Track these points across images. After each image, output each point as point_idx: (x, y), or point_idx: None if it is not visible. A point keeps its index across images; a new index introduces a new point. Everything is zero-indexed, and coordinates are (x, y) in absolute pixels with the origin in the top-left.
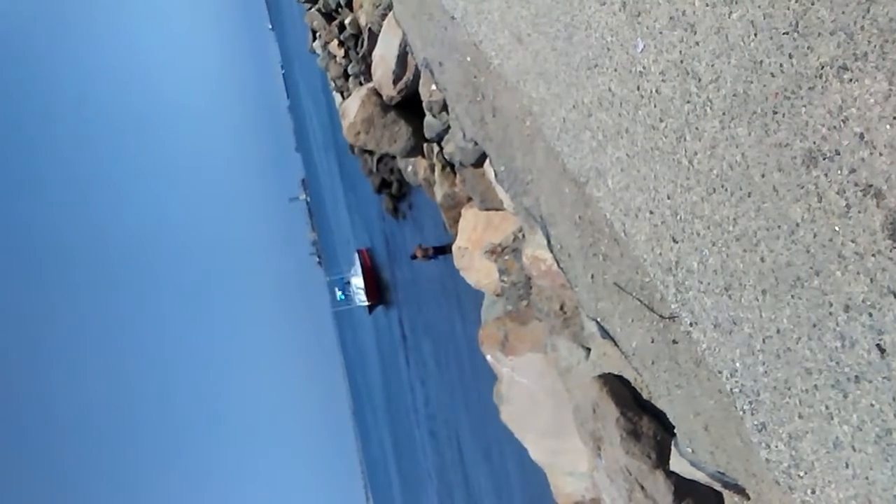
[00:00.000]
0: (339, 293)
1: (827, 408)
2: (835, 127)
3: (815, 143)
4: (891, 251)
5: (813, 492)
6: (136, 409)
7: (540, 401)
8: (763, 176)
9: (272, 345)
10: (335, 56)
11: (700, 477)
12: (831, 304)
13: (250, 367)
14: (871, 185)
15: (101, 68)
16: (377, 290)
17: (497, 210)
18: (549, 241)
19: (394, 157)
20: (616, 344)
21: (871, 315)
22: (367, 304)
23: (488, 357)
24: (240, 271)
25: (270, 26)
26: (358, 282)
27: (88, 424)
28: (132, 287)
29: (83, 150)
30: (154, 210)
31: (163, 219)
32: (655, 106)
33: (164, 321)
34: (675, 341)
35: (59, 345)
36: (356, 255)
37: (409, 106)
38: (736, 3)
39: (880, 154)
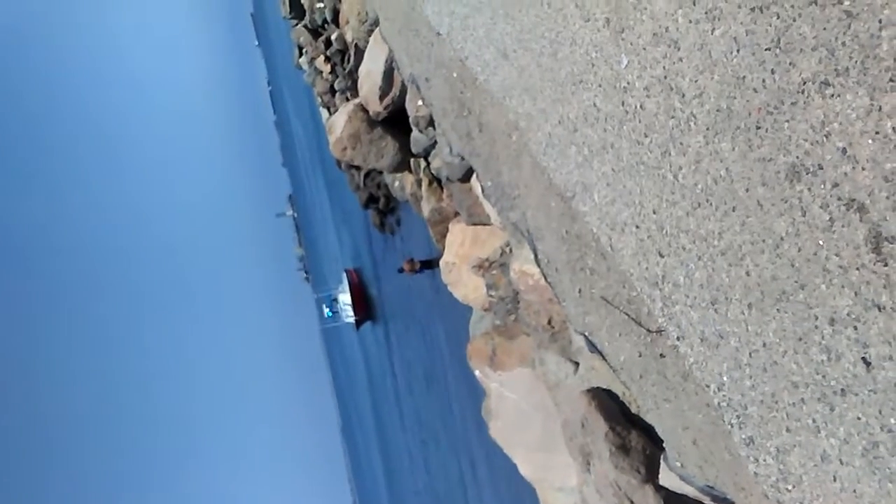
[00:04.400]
0: (326, 310)
1: (814, 421)
2: (817, 142)
3: (798, 157)
4: (874, 265)
5: None
6: (123, 429)
7: (529, 416)
8: (747, 190)
9: (260, 362)
10: (322, 72)
11: (689, 491)
12: (817, 318)
13: (238, 385)
14: (853, 200)
15: (88, 84)
16: (365, 306)
17: (484, 225)
18: (536, 256)
19: (381, 173)
20: (604, 358)
21: (856, 328)
22: (354, 319)
23: (476, 372)
24: (227, 288)
25: (257, 43)
26: (345, 298)
27: (80, 444)
28: (118, 304)
29: (72, 167)
30: (140, 226)
31: (149, 235)
32: (640, 121)
33: (150, 339)
34: (662, 355)
35: (49, 363)
36: (344, 274)
37: (395, 121)
38: (718, 19)
39: (863, 168)
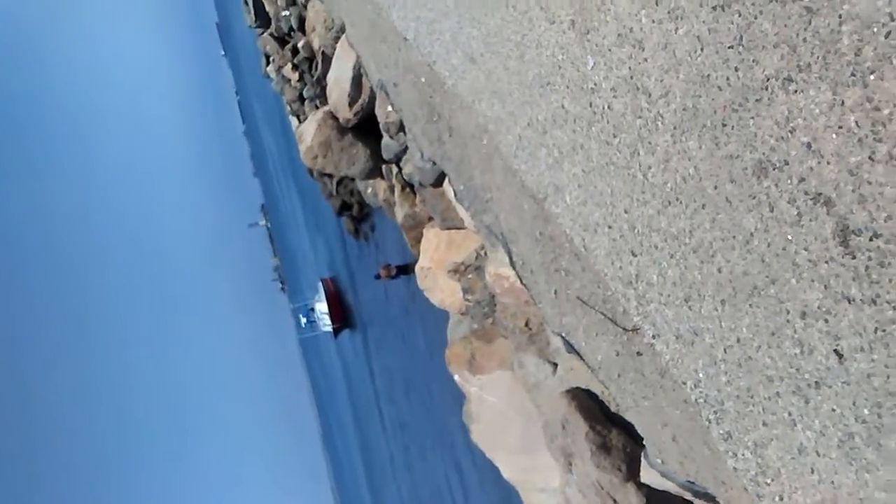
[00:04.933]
0: (303, 320)
1: (790, 414)
2: (783, 137)
3: (764, 153)
4: (842, 258)
5: (781, 498)
6: (98, 441)
7: (509, 418)
8: (716, 188)
9: (238, 374)
10: (289, 80)
11: (671, 487)
12: (788, 312)
13: (217, 398)
14: (820, 194)
15: (50, 96)
16: (342, 313)
17: (458, 229)
18: (511, 258)
19: (353, 180)
20: (582, 358)
21: (826, 321)
22: (332, 328)
23: (456, 377)
24: (201, 301)
25: (223, 52)
26: (322, 307)
27: (53, 459)
28: (91, 317)
29: (38, 180)
30: (113, 243)
31: (122, 251)
32: (608, 122)
33: (124, 356)
34: (639, 353)
35: (19, 376)
36: (320, 284)
37: (365, 128)
38: (681, 18)
39: (828, 163)
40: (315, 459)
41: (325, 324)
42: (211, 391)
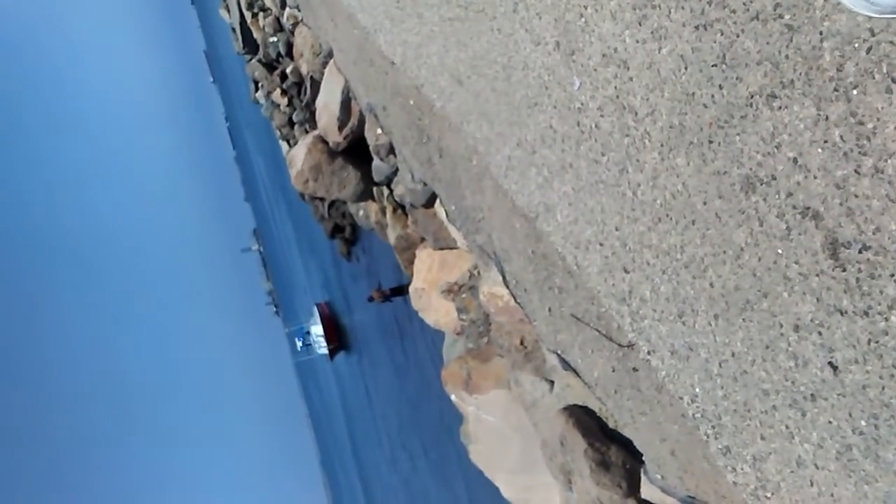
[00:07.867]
0: (299, 343)
1: (787, 427)
2: (769, 153)
3: (751, 169)
4: (833, 270)
5: None
6: (96, 472)
7: (508, 437)
8: (705, 203)
9: (234, 400)
10: (279, 105)
11: (671, 502)
12: (781, 325)
13: (213, 426)
14: (808, 208)
15: (39, 129)
16: (337, 336)
17: (451, 249)
18: (504, 277)
19: (345, 202)
20: (578, 375)
21: (820, 334)
22: (328, 350)
23: (453, 397)
24: (197, 327)
25: (212, 79)
26: (317, 330)
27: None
28: (84, 346)
29: (37, 206)
30: (104, 270)
31: (113, 279)
32: (596, 140)
33: (121, 384)
34: (635, 369)
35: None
36: (315, 308)
37: (356, 151)
38: (665, 38)
39: (815, 177)
40: (314, 484)
41: (321, 346)
42: (205, 416)
